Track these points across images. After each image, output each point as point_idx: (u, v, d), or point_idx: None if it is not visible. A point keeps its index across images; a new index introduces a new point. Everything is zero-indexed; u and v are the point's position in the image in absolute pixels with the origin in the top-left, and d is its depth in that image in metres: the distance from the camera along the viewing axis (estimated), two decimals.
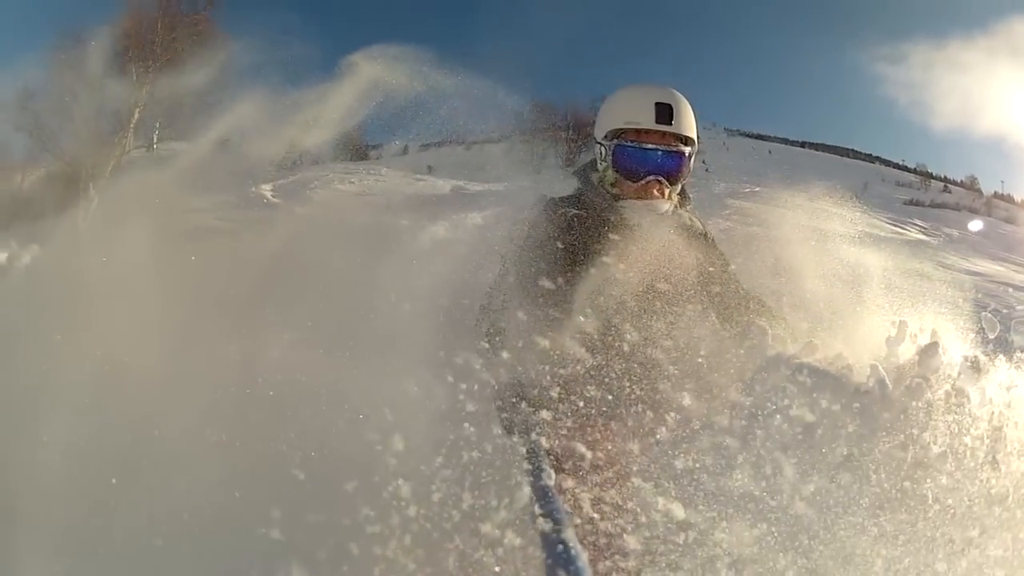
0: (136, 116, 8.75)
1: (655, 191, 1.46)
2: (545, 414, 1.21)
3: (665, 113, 1.42)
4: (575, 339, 1.31)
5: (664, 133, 1.42)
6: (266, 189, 7.69)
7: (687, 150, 1.45)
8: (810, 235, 1.59)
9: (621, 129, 1.46)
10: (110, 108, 8.59)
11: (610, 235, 1.44)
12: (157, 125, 9.02)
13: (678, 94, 1.46)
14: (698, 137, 1.49)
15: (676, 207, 1.52)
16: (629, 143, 1.44)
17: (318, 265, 2.31)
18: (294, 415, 1.53)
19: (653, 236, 1.43)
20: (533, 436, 1.15)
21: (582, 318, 1.32)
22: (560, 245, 1.42)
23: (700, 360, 1.36)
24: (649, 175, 1.46)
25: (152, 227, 2.86)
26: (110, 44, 8.60)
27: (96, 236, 2.91)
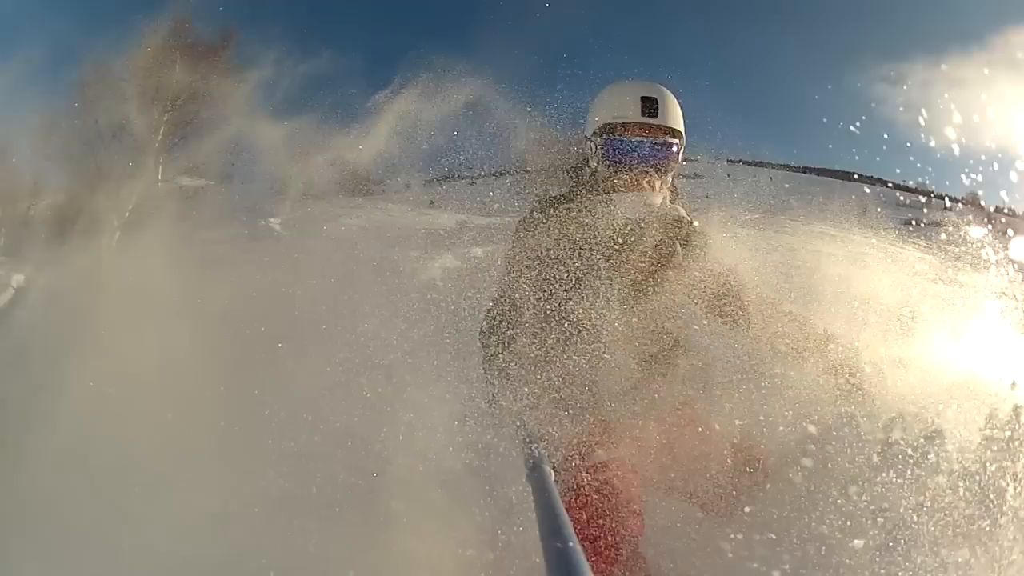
0: (156, 149, 8.98)
1: (645, 183, 1.46)
2: (546, 413, 1.20)
3: (651, 106, 1.45)
4: (574, 334, 1.34)
5: (651, 126, 1.45)
6: (275, 223, 7.83)
7: (674, 142, 1.47)
8: (806, 257, 1.62)
9: (609, 124, 1.48)
10: (130, 141, 8.84)
11: (602, 229, 1.43)
12: (161, 160, 9.22)
13: (664, 89, 1.49)
14: (685, 131, 1.51)
15: (667, 200, 1.52)
16: (617, 137, 1.46)
17: (337, 294, 2.39)
18: (316, 418, 1.58)
19: (645, 229, 1.45)
20: (535, 436, 1.15)
21: (579, 311, 1.35)
22: (555, 241, 1.43)
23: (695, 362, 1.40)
24: (638, 167, 1.46)
25: (171, 257, 2.96)
26: (131, 77, 8.89)
27: (120, 263, 3.01)
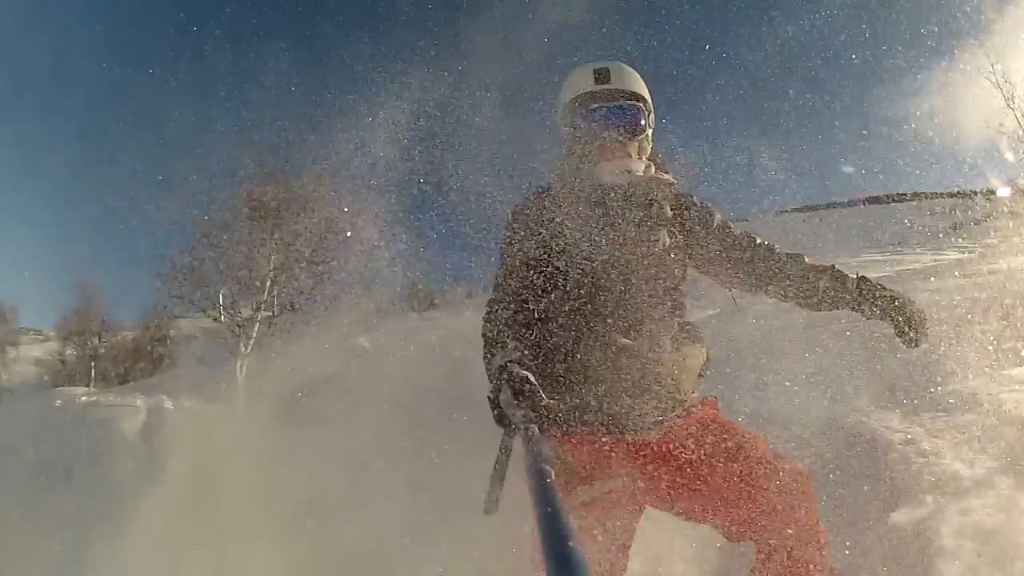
0: (269, 283, 10.11)
1: (616, 148, 1.47)
2: (545, 416, 1.09)
3: (603, 75, 1.50)
4: (568, 324, 1.30)
5: (606, 92, 1.49)
6: (363, 340, 8.54)
7: (634, 104, 1.49)
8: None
9: (571, 102, 1.52)
10: (240, 276, 10.05)
11: (588, 207, 1.41)
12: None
13: (617, 62, 1.54)
14: (651, 98, 1.54)
15: (651, 169, 1.51)
16: (578, 110, 1.50)
17: (445, 390, 2.83)
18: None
19: (633, 195, 1.43)
20: (534, 441, 1.01)
21: (572, 300, 1.33)
22: (543, 228, 1.42)
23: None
24: (605, 132, 1.46)
25: (297, 377, 3.53)
26: (242, 216, 10.31)
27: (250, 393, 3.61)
